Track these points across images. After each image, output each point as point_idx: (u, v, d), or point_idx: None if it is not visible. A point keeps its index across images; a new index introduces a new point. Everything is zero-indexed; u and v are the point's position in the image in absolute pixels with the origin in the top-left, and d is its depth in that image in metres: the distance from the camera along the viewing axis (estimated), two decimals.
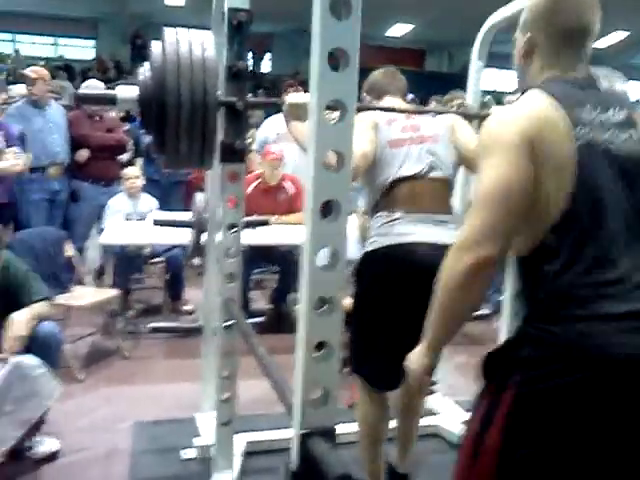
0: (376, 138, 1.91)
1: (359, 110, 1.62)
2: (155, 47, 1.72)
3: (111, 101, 1.84)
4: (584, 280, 1.08)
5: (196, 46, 1.70)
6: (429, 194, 1.90)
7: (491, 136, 1.15)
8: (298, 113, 1.81)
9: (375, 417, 2.00)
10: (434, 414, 2.68)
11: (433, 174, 1.92)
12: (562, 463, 1.08)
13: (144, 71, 1.77)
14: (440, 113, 2.14)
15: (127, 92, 1.79)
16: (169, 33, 1.71)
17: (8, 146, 3.64)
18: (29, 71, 4.26)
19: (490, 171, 1.11)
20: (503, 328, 2.56)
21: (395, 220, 1.87)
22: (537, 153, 1.09)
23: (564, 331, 1.07)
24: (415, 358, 1.28)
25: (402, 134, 1.94)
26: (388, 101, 2.08)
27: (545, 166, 1.09)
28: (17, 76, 5.49)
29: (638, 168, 1.14)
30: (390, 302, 1.85)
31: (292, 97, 1.89)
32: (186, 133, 1.68)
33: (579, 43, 1.22)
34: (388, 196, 1.91)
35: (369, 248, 1.93)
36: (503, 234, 1.09)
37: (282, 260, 4.07)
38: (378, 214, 1.93)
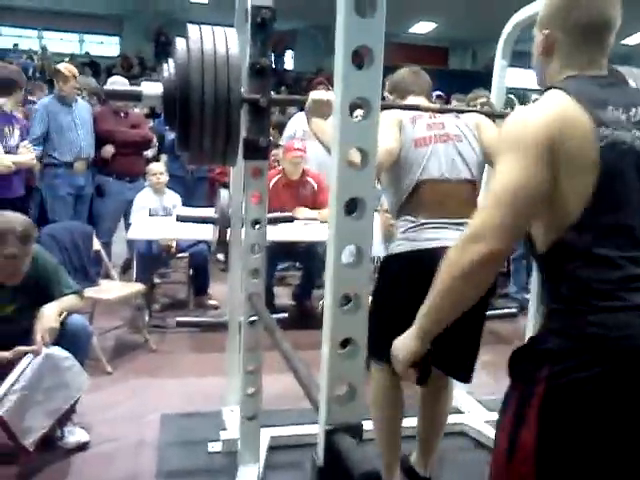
0: (400, 136, 1.89)
1: (383, 109, 1.61)
2: (179, 44, 1.73)
3: (136, 97, 1.86)
4: (607, 275, 1.08)
5: (220, 43, 1.70)
6: (454, 198, 1.88)
7: (509, 135, 1.14)
8: (322, 110, 1.81)
9: (392, 396, 1.99)
10: (460, 412, 2.67)
11: (457, 175, 1.90)
12: (600, 455, 1.07)
13: (168, 68, 1.79)
14: (464, 112, 2.11)
15: (152, 89, 1.81)
16: (193, 30, 1.72)
17: (22, 140, 3.68)
18: (63, 68, 4.29)
19: (504, 169, 1.11)
20: (529, 327, 2.54)
21: (420, 225, 1.87)
22: (556, 154, 1.08)
23: (589, 323, 1.06)
24: (402, 343, 1.25)
25: (427, 132, 1.92)
26: (412, 101, 2.05)
27: (564, 167, 1.08)
28: (50, 72, 5.52)
29: None
30: (411, 303, 1.85)
31: (316, 94, 1.88)
32: (210, 130, 1.68)
33: (600, 39, 1.18)
34: (412, 200, 1.90)
35: (395, 251, 1.93)
36: (510, 232, 1.09)
37: (305, 257, 4.07)
38: (403, 217, 1.93)
